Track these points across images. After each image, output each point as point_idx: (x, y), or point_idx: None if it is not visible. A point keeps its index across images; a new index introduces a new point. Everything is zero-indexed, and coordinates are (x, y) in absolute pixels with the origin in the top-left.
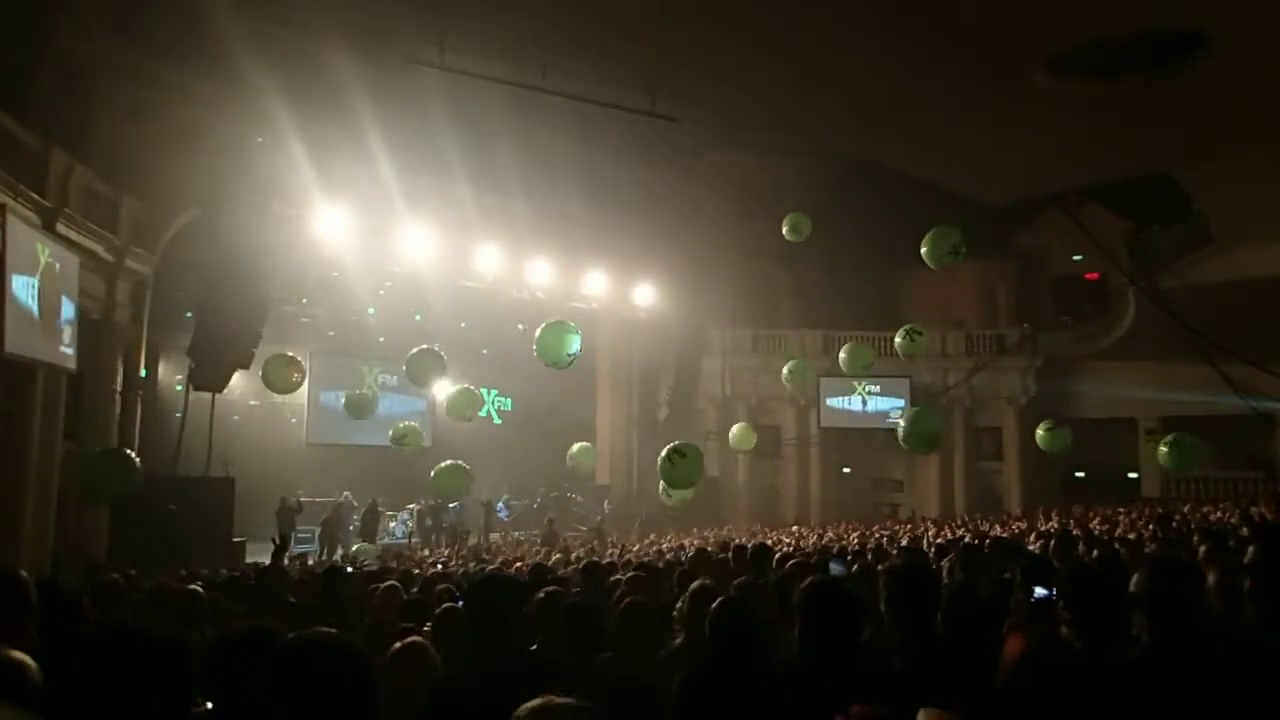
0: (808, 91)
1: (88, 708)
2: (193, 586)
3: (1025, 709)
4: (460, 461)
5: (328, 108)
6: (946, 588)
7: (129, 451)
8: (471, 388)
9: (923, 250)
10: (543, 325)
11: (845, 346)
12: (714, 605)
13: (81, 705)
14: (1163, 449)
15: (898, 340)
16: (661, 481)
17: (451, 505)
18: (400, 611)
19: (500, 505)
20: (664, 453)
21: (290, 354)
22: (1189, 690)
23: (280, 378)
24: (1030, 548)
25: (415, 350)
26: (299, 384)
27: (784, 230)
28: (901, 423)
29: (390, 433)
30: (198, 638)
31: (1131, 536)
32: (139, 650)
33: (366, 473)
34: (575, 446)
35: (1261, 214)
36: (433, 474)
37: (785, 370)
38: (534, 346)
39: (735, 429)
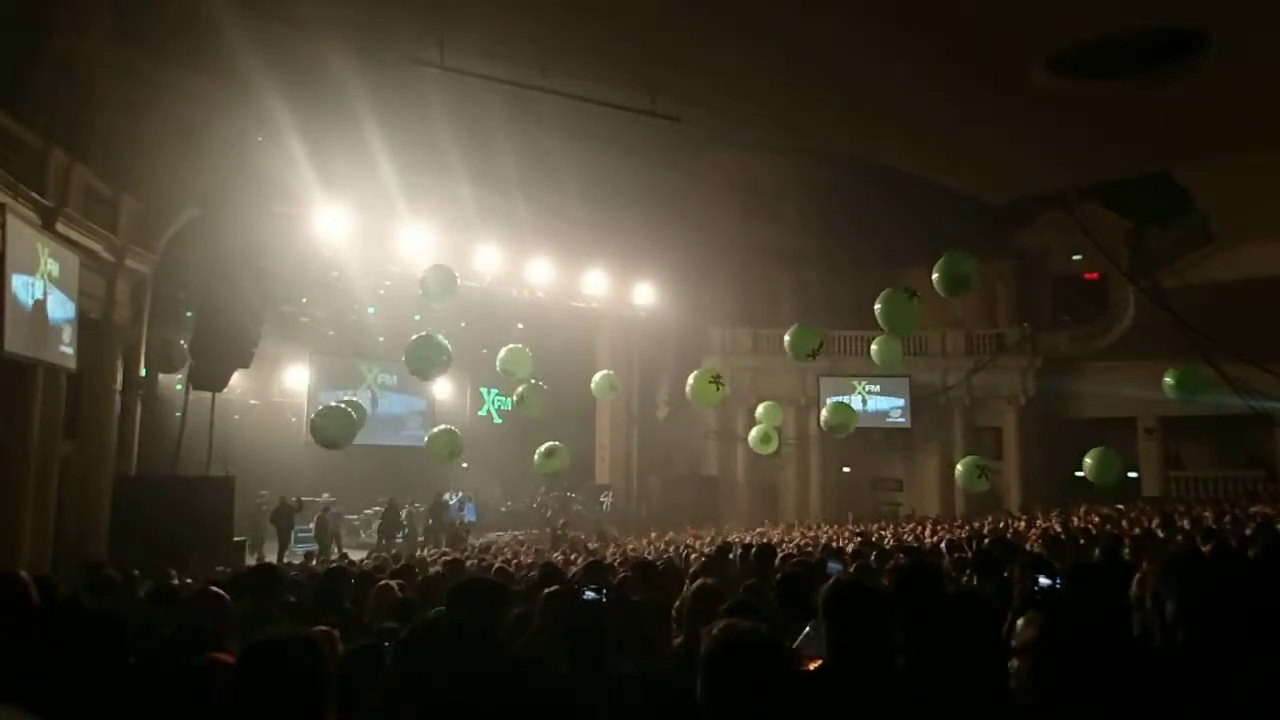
0: (808, 92)
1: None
2: (215, 589)
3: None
4: (347, 408)
5: (328, 107)
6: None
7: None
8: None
9: (935, 276)
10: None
11: (791, 329)
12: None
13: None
14: (1168, 380)
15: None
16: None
17: (452, 504)
18: (391, 612)
19: (468, 506)
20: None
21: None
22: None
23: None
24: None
25: (415, 339)
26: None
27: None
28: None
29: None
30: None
31: (1137, 532)
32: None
33: (366, 472)
34: (504, 350)
35: (1262, 212)
36: (313, 418)
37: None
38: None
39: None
